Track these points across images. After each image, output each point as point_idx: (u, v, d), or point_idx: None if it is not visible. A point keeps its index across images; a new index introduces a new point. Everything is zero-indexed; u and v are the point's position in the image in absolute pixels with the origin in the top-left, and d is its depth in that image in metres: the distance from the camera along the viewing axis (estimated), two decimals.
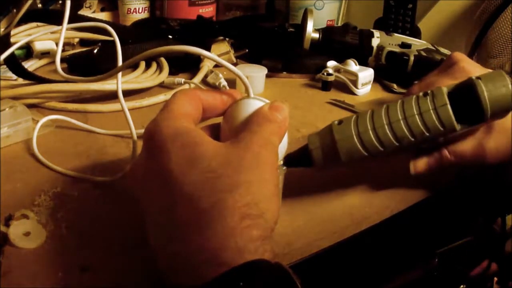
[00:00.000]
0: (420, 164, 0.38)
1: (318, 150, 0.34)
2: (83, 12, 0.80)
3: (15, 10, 0.71)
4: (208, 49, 0.69)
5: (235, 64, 0.69)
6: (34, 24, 0.67)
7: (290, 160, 0.34)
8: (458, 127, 0.32)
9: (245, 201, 0.25)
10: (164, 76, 0.61)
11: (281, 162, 0.33)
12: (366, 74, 0.63)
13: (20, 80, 0.56)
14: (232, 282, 0.22)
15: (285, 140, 0.31)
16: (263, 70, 0.61)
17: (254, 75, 0.59)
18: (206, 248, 0.24)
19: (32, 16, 0.61)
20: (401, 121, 0.32)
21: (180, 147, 0.26)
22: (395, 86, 0.66)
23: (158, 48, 0.30)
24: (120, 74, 0.43)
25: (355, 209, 0.38)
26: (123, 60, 0.64)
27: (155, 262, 0.26)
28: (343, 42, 0.66)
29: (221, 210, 0.24)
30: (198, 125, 0.30)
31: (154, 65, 0.65)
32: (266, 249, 0.24)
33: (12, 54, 0.55)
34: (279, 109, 0.29)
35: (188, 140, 0.27)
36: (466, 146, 0.37)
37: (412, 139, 0.32)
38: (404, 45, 0.64)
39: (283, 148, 0.32)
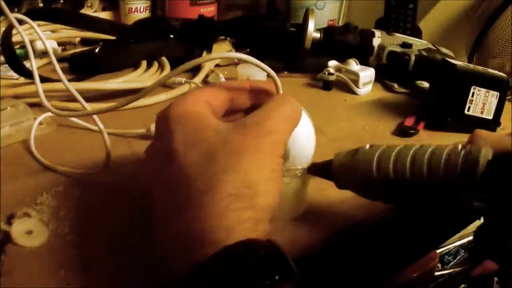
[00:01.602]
0: None
1: (338, 164, 0.33)
2: (85, 11, 0.80)
3: (16, 10, 0.71)
4: (210, 49, 0.69)
5: (236, 64, 0.69)
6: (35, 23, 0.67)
7: (314, 169, 0.34)
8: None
9: (238, 184, 0.25)
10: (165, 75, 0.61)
11: (307, 165, 0.34)
12: (367, 74, 0.63)
13: (22, 79, 0.56)
14: (220, 263, 0.22)
15: (312, 142, 0.32)
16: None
17: (255, 75, 0.59)
18: (197, 228, 0.24)
19: (33, 15, 0.61)
20: (426, 154, 0.30)
21: (184, 129, 0.27)
22: (396, 85, 0.66)
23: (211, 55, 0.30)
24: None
25: (355, 209, 0.38)
26: (124, 59, 0.65)
27: (156, 250, 0.26)
28: (344, 41, 0.66)
29: (213, 192, 0.24)
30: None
31: (155, 65, 0.65)
32: (257, 229, 0.24)
33: (14, 53, 0.56)
34: (291, 100, 0.29)
35: (192, 121, 0.27)
36: None
37: (426, 172, 0.29)
38: (405, 45, 0.64)
39: (311, 148, 0.32)
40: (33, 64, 0.41)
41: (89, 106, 0.41)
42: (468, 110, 0.52)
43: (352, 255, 0.38)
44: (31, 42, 0.64)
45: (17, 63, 0.55)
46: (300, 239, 0.34)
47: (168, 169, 0.26)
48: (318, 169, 0.34)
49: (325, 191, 0.39)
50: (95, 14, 0.80)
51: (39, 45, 0.65)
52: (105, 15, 0.84)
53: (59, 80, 0.43)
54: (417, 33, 0.75)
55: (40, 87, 0.40)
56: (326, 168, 0.34)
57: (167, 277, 0.25)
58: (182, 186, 0.25)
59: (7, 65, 0.56)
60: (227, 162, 0.25)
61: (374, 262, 0.40)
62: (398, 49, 0.64)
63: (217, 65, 0.69)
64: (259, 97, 0.31)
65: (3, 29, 0.56)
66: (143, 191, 0.30)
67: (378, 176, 0.31)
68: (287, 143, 0.31)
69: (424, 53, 0.63)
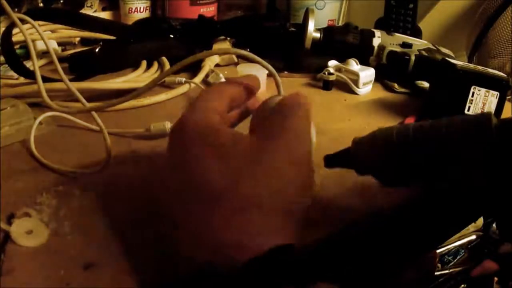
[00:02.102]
0: None
1: (358, 147, 0.34)
2: (85, 11, 0.80)
3: (16, 9, 0.71)
4: (210, 49, 0.69)
5: (236, 64, 0.70)
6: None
7: (330, 160, 0.34)
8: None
9: (275, 199, 0.26)
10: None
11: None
12: (367, 74, 0.63)
13: (22, 79, 0.56)
14: (253, 269, 0.23)
15: (313, 137, 0.32)
16: (264, 70, 0.60)
17: (255, 74, 0.59)
18: (234, 235, 0.25)
19: (33, 15, 0.61)
20: (442, 120, 0.32)
21: (205, 143, 0.27)
22: (396, 85, 0.66)
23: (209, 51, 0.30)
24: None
25: (356, 209, 0.38)
26: (124, 59, 0.65)
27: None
28: (344, 41, 0.66)
29: (248, 205, 0.25)
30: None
31: (155, 65, 0.65)
32: (295, 238, 0.25)
33: (14, 53, 0.56)
34: (302, 95, 0.31)
35: (213, 135, 0.28)
36: None
37: (444, 130, 0.31)
38: (405, 45, 0.64)
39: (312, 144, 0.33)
40: (36, 64, 0.41)
41: (89, 105, 0.41)
42: (468, 110, 0.52)
43: (353, 254, 0.38)
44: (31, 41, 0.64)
45: (17, 63, 0.55)
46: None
47: (191, 181, 0.27)
48: (336, 159, 0.34)
49: (324, 191, 0.39)
50: (95, 14, 0.80)
51: (39, 45, 0.65)
52: (105, 15, 0.84)
53: (59, 80, 0.43)
54: (417, 33, 0.75)
55: (42, 86, 0.40)
56: (345, 154, 0.34)
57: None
58: (213, 199, 0.26)
59: (7, 65, 0.56)
60: (261, 176, 0.26)
61: (375, 260, 0.40)
62: (398, 49, 0.64)
63: (217, 65, 0.69)
64: (249, 94, 0.34)
65: (3, 29, 0.56)
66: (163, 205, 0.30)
67: (398, 139, 0.32)
68: None
69: (424, 53, 0.63)
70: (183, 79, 0.59)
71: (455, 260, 0.80)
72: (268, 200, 0.26)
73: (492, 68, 0.57)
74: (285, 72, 0.69)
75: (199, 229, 0.26)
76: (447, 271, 0.78)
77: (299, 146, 0.28)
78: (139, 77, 0.60)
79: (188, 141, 0.28)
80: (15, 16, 0.41)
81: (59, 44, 0.71)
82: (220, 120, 0.29)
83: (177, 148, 0.29)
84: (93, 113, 0.39)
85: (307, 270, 0.24)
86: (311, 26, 0.65)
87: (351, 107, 0.60)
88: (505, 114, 0.53)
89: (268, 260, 0.23)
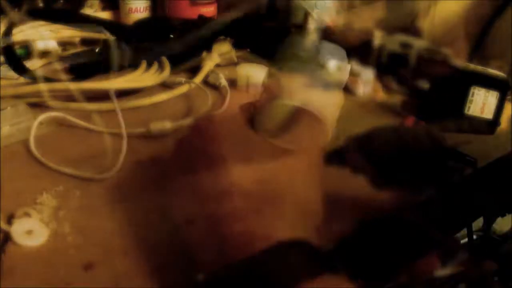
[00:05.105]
0: None
1: (352, 146, 0.35)
2: (85, 11, 0.80)
3: (16, 9, 0.71)
4: (210, 49, 0.69)
5: (236, 64, 0.69)
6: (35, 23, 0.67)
7: (328, 157, 0.35)
8: None
9: (303, 201, 0.28)
10: (165, 75, 0.61)
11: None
12: (367, 74, 0.63)
13: (22, 79, 0.56)
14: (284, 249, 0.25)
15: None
16: (264, 70, 0.60)
17: (255, 74, 0.59)
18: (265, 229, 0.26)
19: (33, 15, 0.61)
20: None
21: (233, 140, 0.29)
22: (396, 85, 0.66)
23: None
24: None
25: (358, 208, 0.38)
26: (124, 59, 0.65)
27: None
28: (344, 41, 0.66)
29: (282, 204, 0.27)
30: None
31: (155, 65, 0.65)
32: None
33: (14, 53, 0.56)
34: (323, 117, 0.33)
35: (242, 134, 0.29)
36: None
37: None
38: (405, 45, 0.64)
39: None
40: (37, 64, 0.41)
41: (89, 106, 0.41)
42: (468, 110, 0.52)
43: (351, 254, 0.38)
44: (31, 42, 0.64)
45: (17, 63, 0.55)
46: None
47: (222, 180, 0.27)
48: (332, 156, 0.35)
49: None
50: (95, 14, 0.80)
51: (39, 45, 0.65)
52: (105, 15, 0.83)
53: (59, 80, 0.43)
54: (417, 33, 0.75)
55: (44, 86, 0.40)
56: (338, 151, 0.36)
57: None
58: (241, 196, 0.27)
59: (7, 65, 0.56)
60: (290, 181, 0.28)
61: (374, 262, 0.40)
62: (398, 49, 0.64)
63: (217, 65, 0.69)
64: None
65: (3, 29, 0.56)
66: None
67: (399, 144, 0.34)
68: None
69: (424, 53, 0.63)
70: (183, 79, 0.59)
71: (455, 260, 0.80)
72: (289, 200, 0.27)
73: (492, 68, 0.57)
74: None
75: (211, 221, 0.27)
76: (447, 271, 0.78)
77: (315, 158, 0.31)
78: (139, 77, 0.60)
79: (215, 135, 0.29)
80: (15, 16, 0.41)
81: (59, 44, 0.71)
82: (247, 120, 0.31)
83: (201, 139, 0.30)
84: (93, 113, 0.39)
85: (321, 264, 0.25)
86: (311, 26, 0.65)
87: (351, 107, 0.60)
88: (505, 114, 0.53)
89: (279, 251, 0.24)
